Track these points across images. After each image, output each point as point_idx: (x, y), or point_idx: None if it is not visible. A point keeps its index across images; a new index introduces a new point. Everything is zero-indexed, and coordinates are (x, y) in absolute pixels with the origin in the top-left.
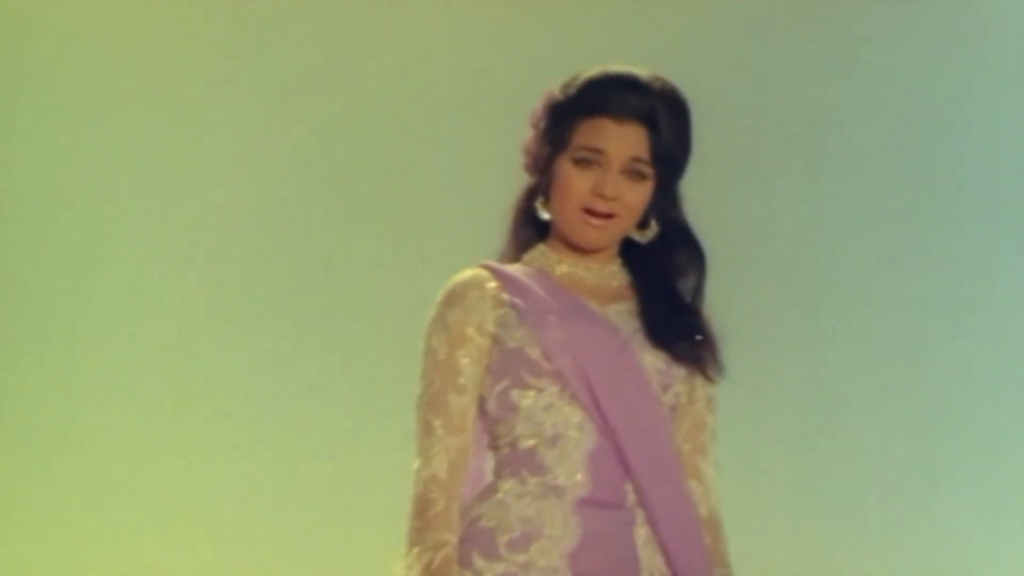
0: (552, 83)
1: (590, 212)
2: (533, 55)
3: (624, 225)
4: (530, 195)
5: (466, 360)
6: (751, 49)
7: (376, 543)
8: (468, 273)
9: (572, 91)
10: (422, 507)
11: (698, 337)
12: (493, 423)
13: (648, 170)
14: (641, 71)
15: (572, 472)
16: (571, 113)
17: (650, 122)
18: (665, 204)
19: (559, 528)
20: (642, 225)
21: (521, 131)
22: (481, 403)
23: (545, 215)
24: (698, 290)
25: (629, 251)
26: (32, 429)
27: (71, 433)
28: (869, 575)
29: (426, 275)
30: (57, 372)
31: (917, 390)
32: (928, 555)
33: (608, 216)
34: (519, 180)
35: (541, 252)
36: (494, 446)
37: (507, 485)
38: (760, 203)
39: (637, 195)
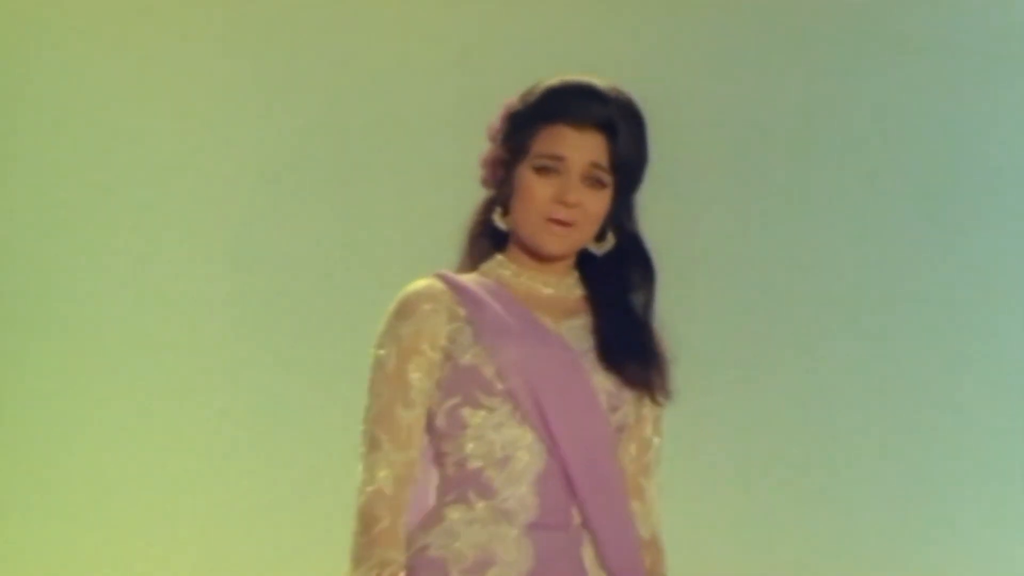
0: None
1: (552, 220)
2: (527, 56)
3: (584, 234)
4: (487, 208)
5: (416, 374)
6: (743, 51)
7: None
8: (421, 283)
9: (532, 99)
10: (367, 523)
11: (652, 358)
12: (440, 439)
13: (607, 177)
14: (599, 81)
15: (521, 495)
16: (531, 121)
17: (609, 129)
18: (622, 215)
19: (512, 554)
20: (599, 237)
21: None
22: (429, 418)
23: (503, 226)
24: (648, 306)
25: (584, 264)
26: (30, 429)
27: (70, 433)
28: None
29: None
30: (55, 372)
31: (912, 393)
32: (928, 555)
33: (569, 224)
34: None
35: (499, 263)
36: (439, 463)
37: (454, 513)
38: (749, 207)
39: (597, 203)
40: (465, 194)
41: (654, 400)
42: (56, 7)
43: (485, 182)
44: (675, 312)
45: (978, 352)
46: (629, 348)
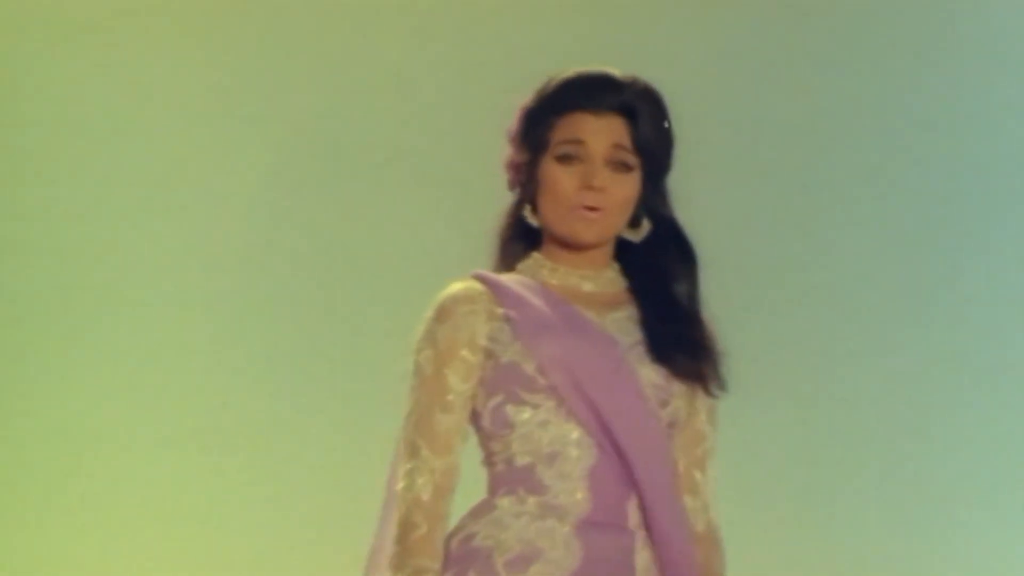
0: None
1: (581, 207)
2: (532, 51)
3: (615, 220)
4: (516, 209)
5: (454, 378)
6: (748, 47)
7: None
8: (459, 286)
9: (546, 93)
10: (404, 531)
11: (701, 350)
12: (487, 439)
13: (633, 159)
14: (615, 70)
15: (572, 491)
16: (547, 113)
17: (628, 112)
18: (654, 200)
19: (559, 551)
20: (633, 224)
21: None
22: (475, 419)
23: (534, 222)
24: (692, 294)
25: (623, 255)
26: (30, 429)
27: (70, 434)
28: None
29: (430, 275)
30: (55, 372)
31: (917, 391)
32: (928, 555)
33: (596, 209)
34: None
35: (536, 260)
36: (489, 462)
37: (504, 502)
38: (758, 204)
39: (625, 187)
40: (469, 194)
41: (707, 392)
42: (57, 7)
43: (511, 185)
44: None
45: (982, 351)
46: (678, 339)
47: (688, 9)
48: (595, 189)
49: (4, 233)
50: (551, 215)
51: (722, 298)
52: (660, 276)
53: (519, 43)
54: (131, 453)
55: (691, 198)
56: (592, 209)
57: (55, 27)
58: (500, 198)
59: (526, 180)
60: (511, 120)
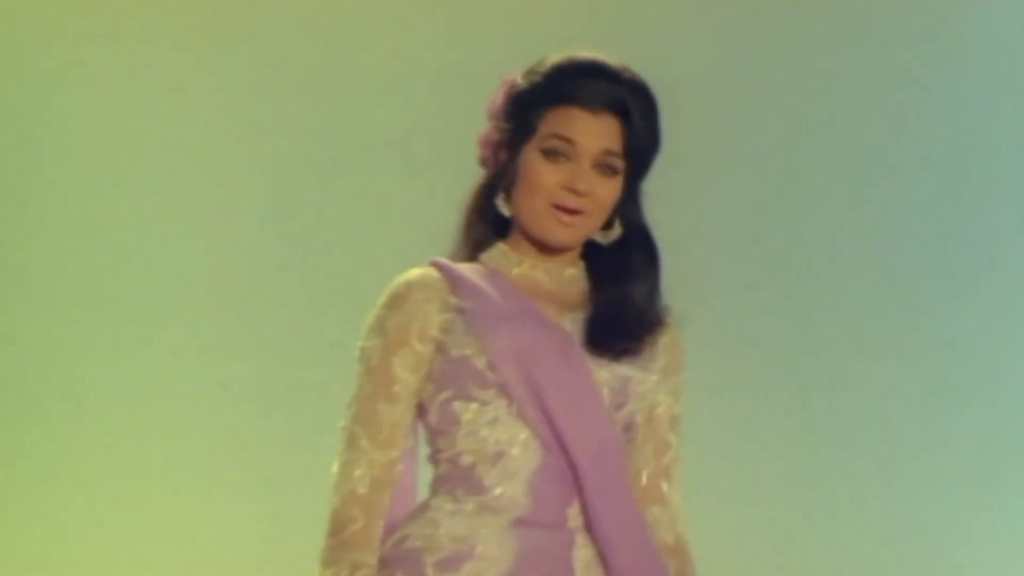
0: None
1: (559, 208)
2: (534, 49)
3: (594, 223)
4: (487, 191)
5: (402, 368)
6: (748, 43)
7: None
8: (415, 272)
9: (538, 78)
10: (339, 525)
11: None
12: (433, 435)
13: (619, 164)
14: (608, 59)
15: (513, 492)
16: (538, 101)
17: (623, 113)
18: (630, 204)
19: (493, 548)
20: (605, 226)
21: None
22: (422, 413)
23: (507, 212)
24: (651, 297)
25: (591, 256)
26: (30, 430)
27: (70, 434)
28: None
29: None
30: (54, 373)
31: (914, 389)
32: (927, 555)
33: (578, 213)
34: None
35: (500, 251)
36: (433, 460)
37: (439, 502)
38: (752, 201)
39: (608, 191)
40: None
41: (662, 383)
42: (58, 7)
43: (484, 162)
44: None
45: (983, 349)
46: (617, 325)
47: (686, 3)
48: (578, 192)
49: (3, 233)
50: (527, 210)
51: (718, 293)
52: (623, 275)
53: (522, 40)
54: (132, 455)
55: (689, 192)
56: (571, 212)
57: (55, 28)
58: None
59: (504, 166)
60: (494, 93)
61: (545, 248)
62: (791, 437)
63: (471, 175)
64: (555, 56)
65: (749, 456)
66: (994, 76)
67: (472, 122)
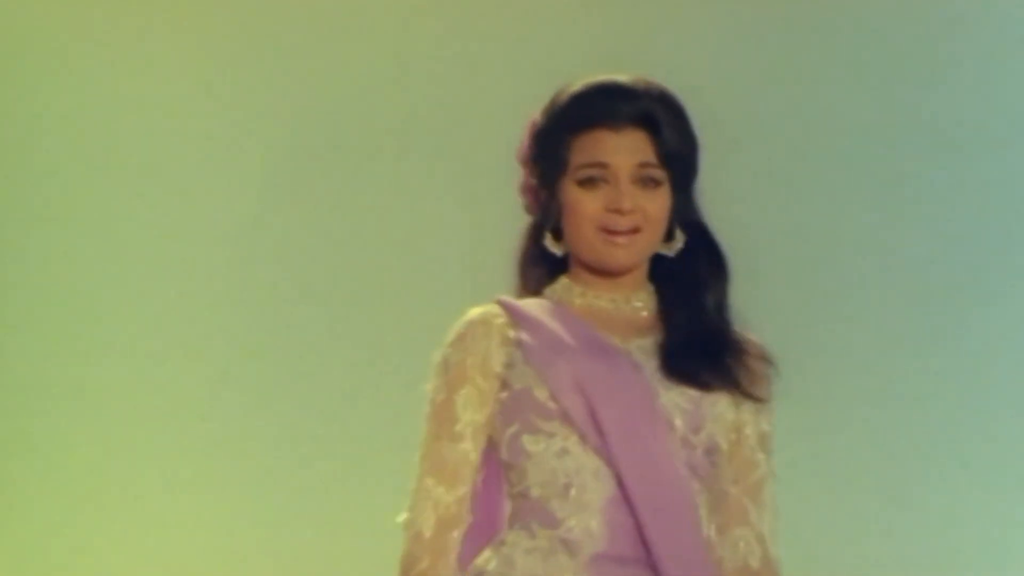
0: (553, 86)
1: (609, 232)
2: (535, 55)
3: (651, 238)
4: (534, 234)
5: (464, 406)
6: (758, 48)
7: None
8: (476, 311)
9: (556, 111)
10: (406, 566)
11: (723, 360)
12: (506, 470)
13: (660, 174)
14: (624, 76)
15: (586, 524)
16: (561, 133)
17: (649, 123)
18: (685, 209)
19: None
20: (667, 238)
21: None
22: (496, 449)
23: (557, 251)
24: (720, 303)
25: (657, 271)
26: (30, 431)
27: (70, 435)
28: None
29: (434, 282)
30: (55, 373)
31: (913, 388)
32: (927, 554)
33: (633, 232)
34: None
35: (564, 285)
36: (509, 494)
37: (514, 538)
38: (761, 205)
39: (656, 203)
40: (472, 196)
41: (747, 396)
42: (57, 7)
43: (529, 209)
44: None
45: (986, 348)
46: (695, 352)
47: (702, 8)
48: (623, 211)
49: (6, 234)
50: (579, 243)
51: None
52: (691, 287)
53: (524, 38)
54: (133, 455)
55: (708, 201)
56: (623, 233)
57: (54, 26)
58: (504, 198)
59: (546, 206)
60: (521, 139)
61: (608, 275)
62: (791, 437)
63: (470, 170)
64: (569, 86)
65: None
66: (1004, 73)
67: (471, 115)
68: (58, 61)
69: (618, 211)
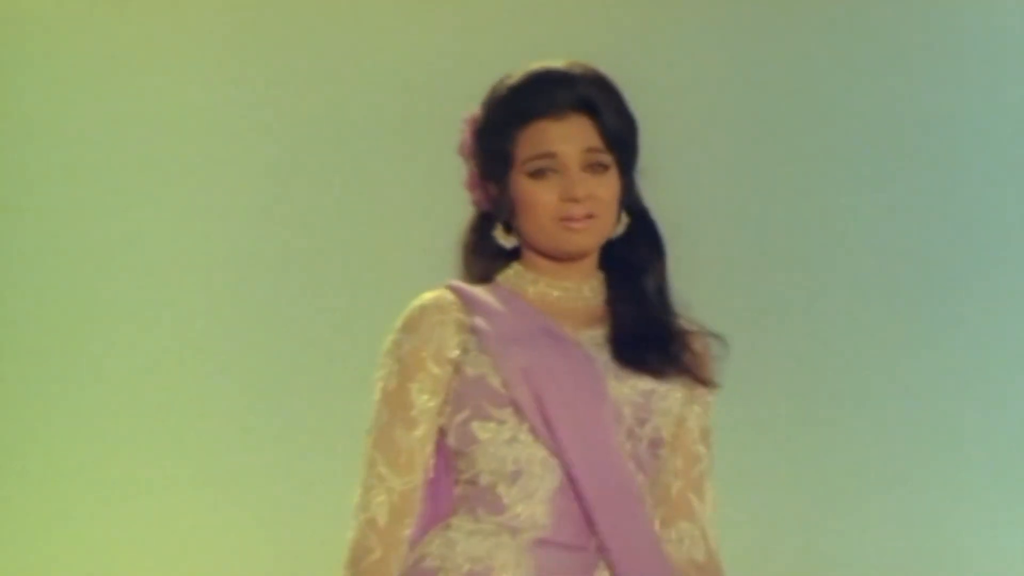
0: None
1: (567, 219)
2: (538, 47)
3: (607, 222)
4: (481, 227)
5: (419, 392)
6: (751, 44)
7: None
8: (429, 296)
9: (495, 105)
10: (357, 555)
11: (670, 344)
12: (454, 457)
13: (607, 158)
14: (558, 62)
15: (532, 511)
16: (504, 127)
17: (589, 108)
18: (629, 192)
19: (510, 569)
20: None
21: None
22: (442, 435)
23: (507, 244)
24: (661, 287)
25: (601, 257)
26: (30, 432)
27: (70, 436)
28: (865, 573)
29: (436, 278)
30: (55, 374)
31: (913, 386)
32: (926, 554)
33: (588, 217)
34: None
35: (516, 272)
36: (457, 481)
37: (458, 521)
38: (753, 197)
39: (606, 187)
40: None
41: (699, 381)
42: (56, 7)
43: (479, 204)
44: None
45: (989, 348)
46: (643, 341)
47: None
48: (578, 199)
49: (6, 234)
50: (535, 234)
51: (719, 291)
52: (633, 273)
53: (522, 39)
54: (131, 456)
55: (688, 191)
56: (580, 219)
57: (54, 26)
58: None
59: (496, 200)
60: (460, 135)
61: (562, 263)
62: (791, 439)
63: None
64: (506, 78)
65: (750, 457)
66: (1000, 73)
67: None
68: (58, 61)
69: (573, 199)
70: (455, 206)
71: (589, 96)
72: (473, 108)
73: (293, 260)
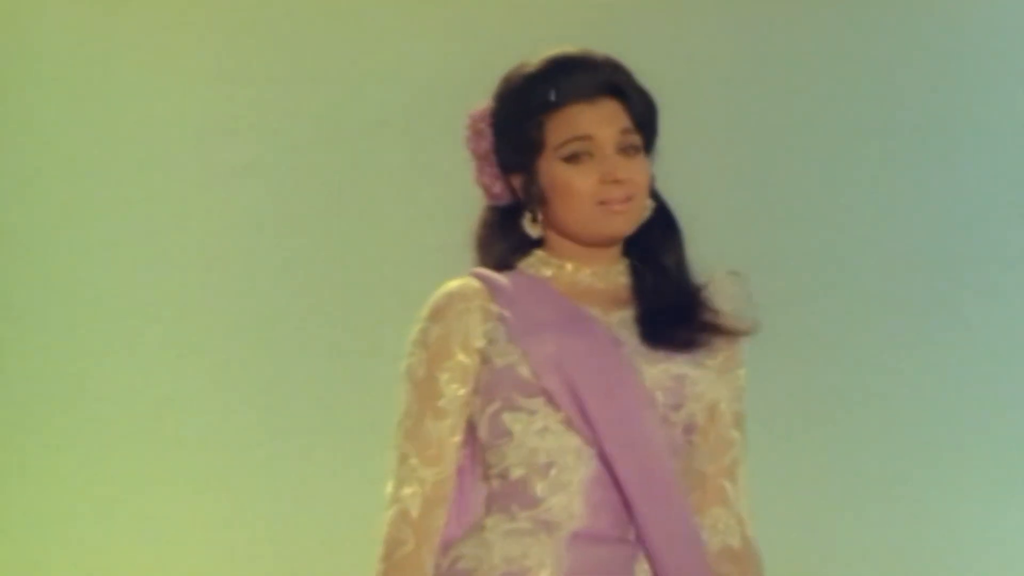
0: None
1: (607, 203)
2: (528, 35)
3: (643, 205)
4: (494, 222)
5: (448, 381)
6: (749, 40)
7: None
8: (455, 284)
9: (517, 93)
10: (390, 548)
11: (696, 315)
12: (484, 451)
13: (638, 140)
14: (574, 50)
15: (567, 503)
16: (530, 115)
17: (617, 92)
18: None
19: (548, 567)
20: None
21: None
22: (472, 429)
23: (535, 233)
24: (680, 263)
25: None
26: (30, 431)
27: (69, 436)
28: (866, 573)
29: (437, 277)
30: (55, 374)
31: (913, 386)
32: (926, 554)
33: (627, 200)
34: None
35: (539, 258)
36: (485, 476)
37: (493, 521)
38: (755, 200)
39: (641, 169)
40: (478, 195)
41: (732, 334)
42: (58, 7)
43: (497, 198)
44: None
45: (991, 349)
46: (670, 317)
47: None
48: (620, 181)
49: (6, 234)
50: (572, 220)
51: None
52: (652, 254)
53: (522, 38)
54: (131, 456)
55: (689, 187)
56: (620, 202)
57: (54, 25)
58: None
59: (525, 190)
60: (468, 132)
61: (591, 247)
62: (791, 438)
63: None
64: (521, 69)
65: (749, 457)
66: (1001, 69)
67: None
68: (58, 61)
69: (615, 181)
70: (456, 205)
71: (615, 79)
72: (478, 105)
73: (293, 260)
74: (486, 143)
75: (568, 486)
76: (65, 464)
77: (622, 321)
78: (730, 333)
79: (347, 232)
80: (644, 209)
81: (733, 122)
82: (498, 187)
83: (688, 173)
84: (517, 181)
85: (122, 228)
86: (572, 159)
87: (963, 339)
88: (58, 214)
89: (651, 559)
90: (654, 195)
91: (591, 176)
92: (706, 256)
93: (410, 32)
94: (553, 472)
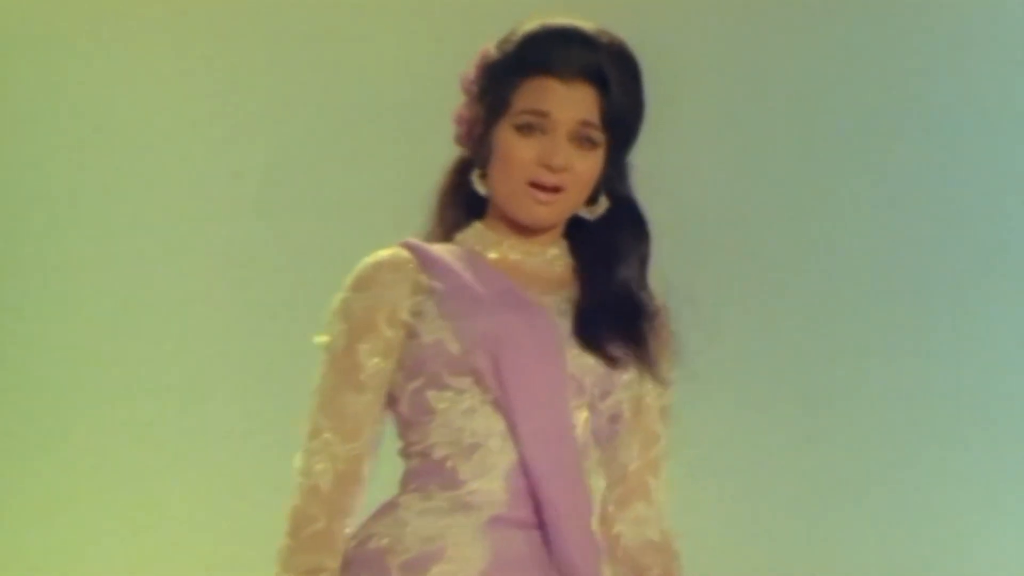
0: None
1: (536, 185)
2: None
3: (574, 200)
4: (461, 169)
5: (369, 354)
6: (749, 33)
7: None
8: (384, 253)
9: (510, 48)
10: (298, 524)
11: (635, 335)
12: (405, 428)
13: (599, 136)
14: (585, 24)
15: (489, 487)
16: (510, 73)
17: (599, 81)
18: (615, 176)
19: (465, 549)
20: (590, 200)
21: None
22: (392, 404)
23: (482, 190)
24: (640, 277)
25: (573, 230)
26: (30, 431)
27: (69, 435)
28: (865, 573)
29: None
30: (55, 374)
31: (913, 386)
32: (926, 554)
33: (556, 190)
34: None
35: (477, 231)
36: (404, 454)
37: (408, 499)
38: (755, 198)
39: (588, 165)
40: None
41: (654, 378)
42: (55, 8)
43: (460, 140)
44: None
45: (992, 351)
46: (608, 323)
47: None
48: (554, 168)
49: (6, 234)
50: (502, 189)
51: (719, 292)
52: (608, 256)
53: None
54: (130, 457)
55: (688, 185)
56: (548, 189)
57: (54, 26)
58: None
59: (478, 142)
60: (470, 65)
61: (524, 228)
62: (794, 439)
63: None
64: (528, 23)
65: (751, 459)
66: (1001, 69)
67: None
68: (57, 61)
69: (548, 166)
70: None
71: (604, 68)
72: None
73: (293, 259)
74: (471, 82)
75: (492, 470)
76: (65, 463)
77: (556, 303)
78: (651, 373)
79: (347, 232)
80: (574, 205)
81: (730, 122)
82: (464, 128)
83: (687, 172)
84: (477, 131)
85: (122, 228)
86: (523, 129)
87: (963, 339)
88: (58, 214)
89: (549, 544)
90: (622, 198)
91: (531, 151)
92: (706, 256)
93: (410, 32)
94: (478, 455)
